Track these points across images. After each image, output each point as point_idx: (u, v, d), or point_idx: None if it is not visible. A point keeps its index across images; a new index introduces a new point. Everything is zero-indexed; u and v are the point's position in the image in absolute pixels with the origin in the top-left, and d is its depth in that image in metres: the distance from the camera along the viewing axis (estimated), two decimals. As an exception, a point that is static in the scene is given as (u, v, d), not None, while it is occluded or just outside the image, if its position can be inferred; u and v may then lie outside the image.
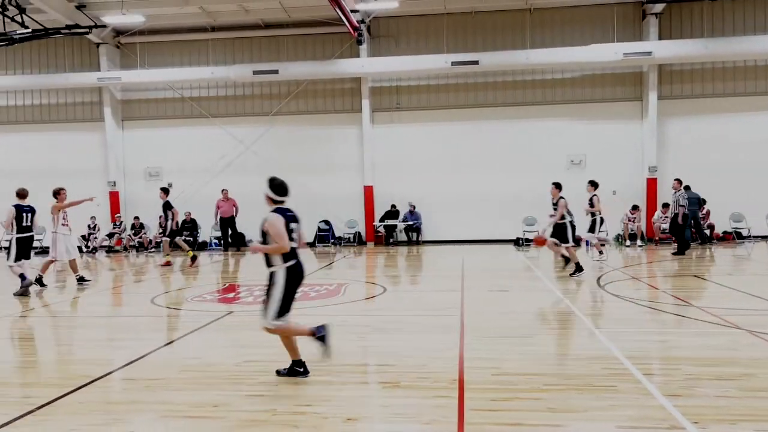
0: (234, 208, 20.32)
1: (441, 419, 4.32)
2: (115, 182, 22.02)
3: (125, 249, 21.08)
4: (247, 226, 21.18)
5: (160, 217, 17.23)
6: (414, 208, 20.90)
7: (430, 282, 11.42)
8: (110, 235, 21.37)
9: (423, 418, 4.35)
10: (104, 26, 19.88)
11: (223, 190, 20.42)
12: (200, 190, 21.56)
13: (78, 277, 12.05)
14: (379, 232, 21.42)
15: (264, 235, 5.31)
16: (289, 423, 4.29)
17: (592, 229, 13.76)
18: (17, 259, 11.08)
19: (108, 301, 11.04)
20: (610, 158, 20.00)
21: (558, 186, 12.06)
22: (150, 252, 20.53)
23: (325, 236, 21.25)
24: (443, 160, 20.77)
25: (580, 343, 6.75)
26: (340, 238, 21.44)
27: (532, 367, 5.53)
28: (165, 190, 15.53)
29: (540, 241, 12.49)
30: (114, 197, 22.02)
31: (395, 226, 21.26)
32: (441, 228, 20.96)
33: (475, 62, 19.52)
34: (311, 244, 21.02)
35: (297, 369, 5.41)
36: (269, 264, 5.37)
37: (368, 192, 21.25)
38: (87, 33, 18.54)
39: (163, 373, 5.64)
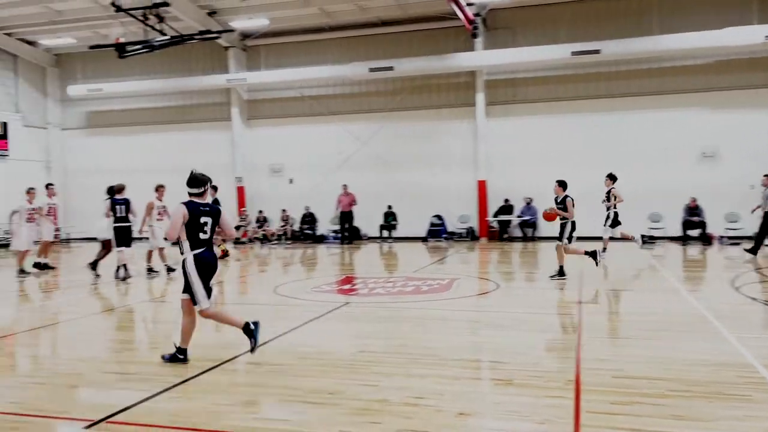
0: (352, 203, 20.87)
1: (555, 419, 4.23)
2: (241, 178, 23.33)
3: (250, 241, 22.28)
4: (363, 220, 21.74)
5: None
6: (531, 201, 20.41)
7: (547, 279, 11.12)
8: (237, 228, 22.69)
9: (536, 418, 4.28)
10: (232, 30, 21.11)
11: (344, 185, 21.00)
12: (319, 185, 22.33)
13: (166, 267, 12.93)
14: (492, 227, 21.14)
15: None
16: (402, 414, 4.38)
17: (606, 223, 14.32)
18: (118, 245, 12.22)
19: (235, 290, 11.75)
20: (746, 150, 18.41)
21: (561, 184, 11.37)
22: (273, 244, 21.56)
23: (438, 231, 21.29)
24: (560, 154, 20.10)
25: (709, 347, 6.32)
26: (452, 233, 21.38)
27: (656, 370, 5.26)
28: (215, 188, 15.79)
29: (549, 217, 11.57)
30: (240, 192, 23.34)
31: (509, 222, 20.89)
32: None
33: (597, 51, 18.71)
34: (424, 239, 21.15)
35: (178, 356, 5.87)
36: (181, 252, 5.84)
37: (482, 186, 21.03)
38: (217, 38, 19.77)
39: (284, 359, 5.94)
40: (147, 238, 13.14)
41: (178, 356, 5.88)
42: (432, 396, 4.75)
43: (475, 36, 19.44)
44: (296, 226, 22.39)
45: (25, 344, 7.39)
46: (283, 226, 22.19)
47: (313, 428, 4.15)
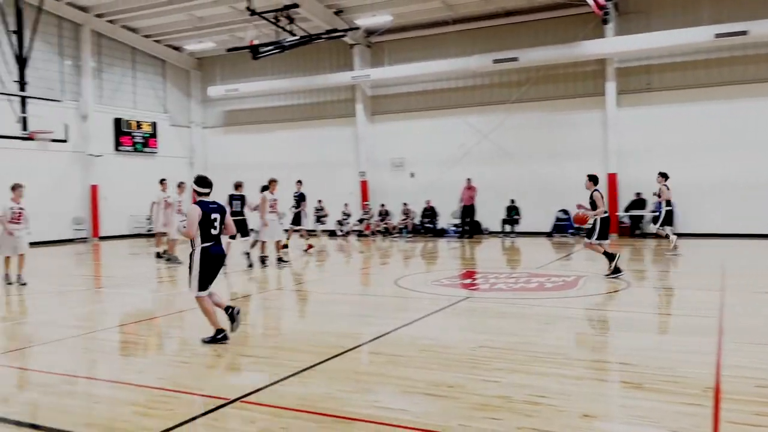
0: (474, 196, 20.69)
1: (690, 428, 3.96)
2: (364, 172, 23.89)
3: (372, 234, 22.78)
4: (484, 214, 21.49)
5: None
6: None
7: (683, 278, 10.41)
8: (360, 221, 23.27)
9: (669, 425, 4.04)
10: (357, 28, 21.65)
11: (467, 179, 20.87)
12: (440, 179, 22.36)
13: (278, 257, 13.53)
14: (623, 222, 20.09)
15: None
16: (523, 412, 4.31)
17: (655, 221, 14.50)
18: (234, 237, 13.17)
19: (358, 281, 12.08)
20: None
21: (592, 178, 11.09)
22: (394, 237, 21.91)
23: (564, 226, 20.56)
24: (700, 144, 18.69)
25: None
26: (579, 228, 20.55)
27: (809, 383, 4.77)
28: (299, 182, 16.62)
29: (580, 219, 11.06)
30: (363, 186, 23.91)
31: (641, 217, 19.74)
32: (697, 219, 18.89)
33: (744, 32, 17.15)
34: (548, 234, 20.54)
35: (216, 336, 6.44)
36: (191, 245, 6.46)
37: (611, 180, 20.04)
38: (343, 36, 20.37)
39: (404, 351, 6.04)
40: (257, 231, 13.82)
41: (217, 337, 6.49)
42: (555, 395, 4.62)
43: (605, 22, 18.54)
44: (417, 220, 22.59)
45: (171, 326, 8.06)
46: (404, 220, 22.47)
47: (432, 420, 4.19)
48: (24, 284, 10.94)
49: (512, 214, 21.14)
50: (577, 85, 20.79)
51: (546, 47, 20.13)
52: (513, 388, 4.79)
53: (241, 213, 13.23)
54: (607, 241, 10.95)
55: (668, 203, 14.31)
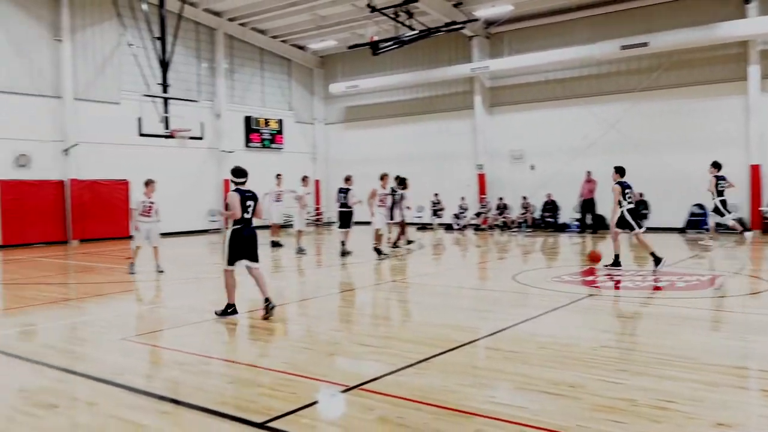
0: (593, 190, 19.82)
1: (844, 446, 3.59)
2: (482, 165, 23.62)
3: (490, 228, 22.49)
4: (608, 208, 20.52)
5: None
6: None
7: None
8: (477, 215, 23.05)
9: (818, 441, 3.68)
10: (476, 20, 21.39)
11: (587, 172, 20.08)
12: (561, 171, 21.62)
13: (376, 248, 13.96)
14: (766, 217, 18.40)
15: (226, 206, 7.61)
16: (650, 417, 4.10)
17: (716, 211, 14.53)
18: (340, 227, 14.49)
19: (475, 275, 12.00)
20: None
21: (617, 170, 11.17)
22: (513, 231, 21.50)
23: (699, 221, 19.15)
24: None
25: None
26: (718, 224, 19.05)
27: None
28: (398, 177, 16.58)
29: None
30: (481, 179, 23.66)
31: (790, 212, 17.97)
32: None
33: None
34: (681, 230, 19.25)
35: (227, 310, 7.57)
36: (225, 226, 7.52)
37: (755, 171, 18.41)
38: (462, 28, 20.22)
39: (522, 347, 5.94)
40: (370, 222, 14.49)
41: (226, 310, 7.59)
42: (685, 401, 4.35)
43: (747, 1, 17.00)
44: (537, 214, 22.01)
45: (295, 313, 8.46)
46: (523, 214, 21.98)
47: (551, 419, 4.10)
48: (161, 272, 11.87)
49: (640, 208, 19.94)
50: (715, 69, 19.25)
51: (680, 30, 18.78)
52: (638, 392, 4.57)
53: (347, 205, 14.16)
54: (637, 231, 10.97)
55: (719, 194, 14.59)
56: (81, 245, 19.18)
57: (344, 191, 14.36)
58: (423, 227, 23.00)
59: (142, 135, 16.79)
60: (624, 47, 19.37)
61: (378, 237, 14.17)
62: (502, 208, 22.56)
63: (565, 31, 21.52)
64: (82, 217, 19.83)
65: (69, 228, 19.75)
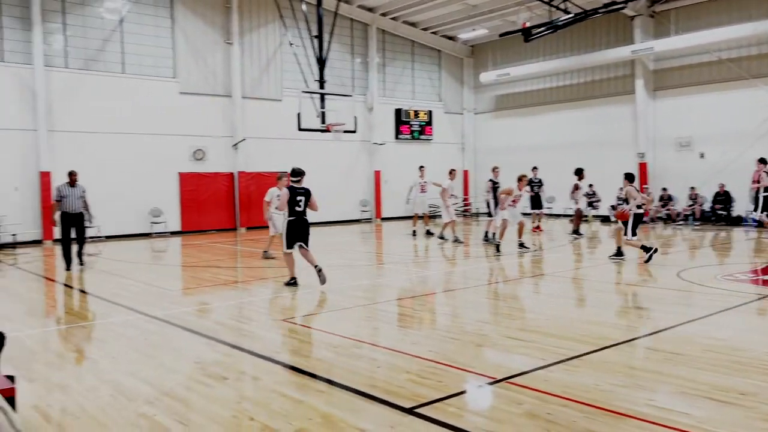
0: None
1: None
2: (644, 153, 22.13)
3: (652, 220, 21.05)
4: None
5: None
6: None
7: None
8: (638, 206, 21.63)
9: None
10: (638, -2, 20.00)
11: (758, 160, 18.03)
12: (736, 160, 19.65)
13: (519, 242, 13.59)
14: None
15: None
16: (838, 435, 3.64)
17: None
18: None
19: (634, 270, 11.32)
20: None
21: (627, 177, 12.42)
22: (678, 224, 19.96)
23: None
24: None
25: None
26: None
27: None
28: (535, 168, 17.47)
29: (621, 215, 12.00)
30: (642, 168, 22.19)
31: None
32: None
33: None
34: None
35: (290, 281, 9.39)
36: (284, 216, 9.31)
37: None
38: (622, 8, 19.02)
39: (685, 349, 5.53)
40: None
41: (291, 282, 9.33)
42: None
43: None
44: (707, 206, 20.20)
45: (443, 303, 8.55)
46: (690, 206, 20.29)
47: (718, 428, 3.79)
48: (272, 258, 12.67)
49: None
50: None
51: None
52: (825, 406, 4.08)
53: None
54: (635, 237, 11.57)
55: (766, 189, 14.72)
56: (247, 232, 20.82)
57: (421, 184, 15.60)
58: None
59: (301, 129, 17.79)
60: (815, 18, 17.11)
61: (499, 228, 13.86)
62: (666, 200, 21.00)
63: (741, 4, 19.45)
64: (249, 207, 21.51)
65: (237, 216, 21.52)
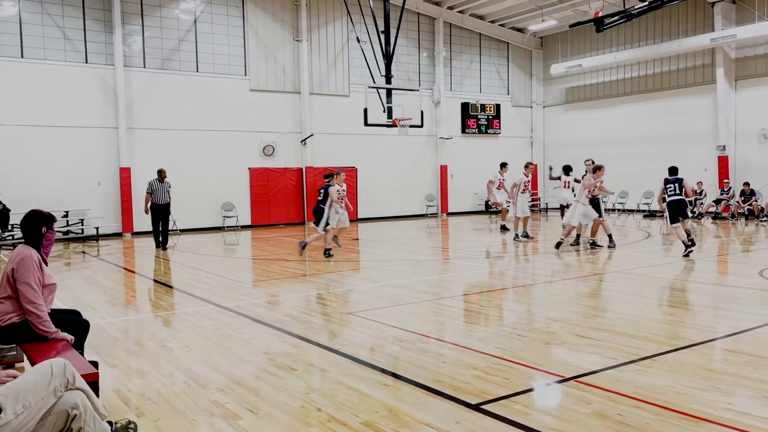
0: None
1: None
2: (724, 146, 21.08)
3: (733, 217, 20.05)
4: None
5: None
6: None
7: None
8: (717, 201, 20.69)
9: None
10: (721, -18, 19.02)
11: None
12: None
13: (591, 241, 13.11)
14: None
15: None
16: None
17: None
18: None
19: (713, 269, 10.84)
20: None
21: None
22: (762, 221, 18.93)
23: None
24: None
25: None
26: None
27: None
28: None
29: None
30: (722, 162, 21.15)
31: None
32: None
33: None
34: None
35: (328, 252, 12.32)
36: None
37: None
38: (702, -6, 18.14)
39: (767, 352, 5.25)
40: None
41: (330, 253, 12.19)
42: None
43: None
44: (794, 202, 19.05)
45: (511, 299, 8.43)
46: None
47: (804, 437, 3.58)
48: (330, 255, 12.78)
49: None
50: None
51: None
52: None
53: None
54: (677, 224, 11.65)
55: None
56: (315, 227, 21.16)
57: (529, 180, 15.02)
58: (651, 214, 21.31)
59: (367, 125, 17.91)
60: None
61: (569, 230, 13.41)
62: (748, 195, 19.95)
63: (837, -15, 18.18)
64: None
65: (305, 211, 21.92)
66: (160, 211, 14.83)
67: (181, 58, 19.77)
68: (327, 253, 12.62)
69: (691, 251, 11.50)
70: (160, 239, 14.92)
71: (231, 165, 20.51)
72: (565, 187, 16.57)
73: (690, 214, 13.71)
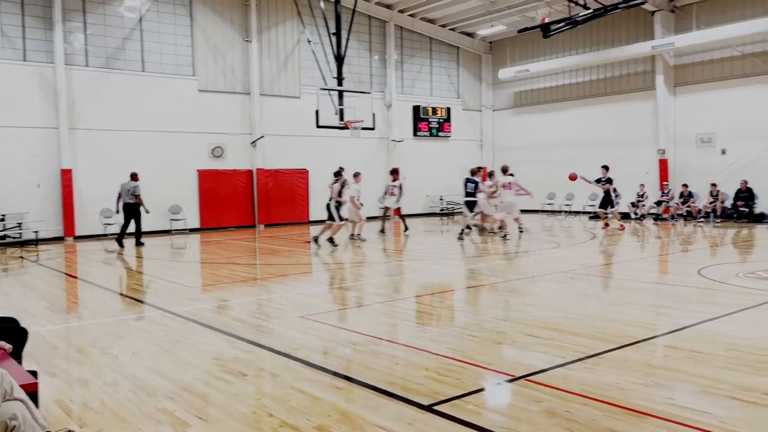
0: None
1: None
2: (664, 150, 21.88)
3: (672, 217, 20.81)
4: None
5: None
6: None
7: None
8: (658, 203, 21.43)
9: None
10: (660, -8, 19.73)
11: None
12: (759, 156, 19.36)
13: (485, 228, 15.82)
14: None
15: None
16: None
17: None
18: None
19: (654, 268, 11.21)
20: None
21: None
22: (699, 221, 19.71)
23: None
24: None
25: None
26: None
27: None
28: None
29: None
30: (663, 165, 21.93)
31: None
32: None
33: None
34: None
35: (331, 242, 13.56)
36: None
37: None
38: (643, 3, 18.78)
39: (706, 348, 5.46)
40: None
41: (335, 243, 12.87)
42: None
43: None
44: (728, 203, 19.92)
45: (461, 300, 8.52)
46: (711, 203, 20.01)
47: (740, 428, 3.73)
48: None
49: None
50: None
51: None
52: None
53: (473, 194, 15.53)
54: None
55: None
56: (266, 229, 20.92)
57: (473, 182, 15.60)
58: (594, 216, 21.92)
59: (319, 127, 17.81)
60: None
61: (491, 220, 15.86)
62: (686, 197, 20.74)
63: (767, -3, 19.12)
64: (267, 204, 21.64)
65: (256, 213, 21.64)
66: (124, 211, 15.88)
67: (127, 57, 19.24)
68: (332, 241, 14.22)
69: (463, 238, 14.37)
70: (124, 238, 15.85)
71: (179, 167, 20.08)
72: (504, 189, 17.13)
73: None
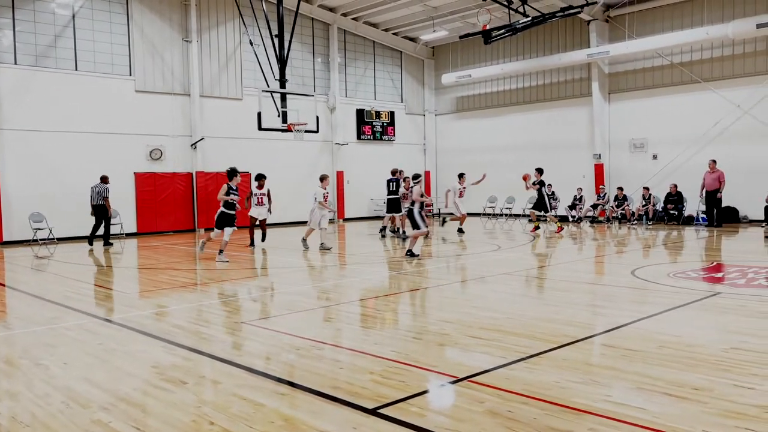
0: (719, 182, 18.32)
1: None
2: (600, 155, 22.63)
3: (608, 220, 21.54)
4: (741, 200, 19.05)
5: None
6: None
7: None
8: (594, 206, 22.14)
9: None
10: (595, 2, 20.43)
11: (710, 161, 18.67)
12: (688, 161, 20.30)
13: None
14: None
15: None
16: (785, 426, 3.77)
17: None
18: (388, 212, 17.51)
19: (590, 269, 11.55)
20: None
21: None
22: (632, 224, 20.46)
23: None
24: None
25: None
26: None
27: None
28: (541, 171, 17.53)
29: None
30: (599, 169, 22.68)
31: None
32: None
33: None
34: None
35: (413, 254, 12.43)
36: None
37: None
38: (579, 12, 19.40)
39: (640, 346, 5.65)
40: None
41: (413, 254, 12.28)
42: (828, 412, 3.96)
43: None
44: (659, 206, 20.78)
45: (405, 302, 8.55)
46: (644, 206, 20.84)
47: (673, 422, 3.88)
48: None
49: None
50: None
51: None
52: (773, 399, 4.22)
53: (395, 193, 16.72)
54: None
55: None
56: (206, 233, 20.45)
57: (395, 180, 16.88)
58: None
59: (261, 129, 17.58)
60: (760, 25, 17.81)
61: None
62: (621, 200, 21.52)
63: (696, 10, 20.10)
64: (207, 208, 21.17)
65: (195, 217, 21.16)
66: (94, 212, 16.16)
67: (58, 55, 18.50)
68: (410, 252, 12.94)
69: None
70: (94, 238, 16.28)
71: (114, 169, 19.34)
72: (460, 196, 17.89)
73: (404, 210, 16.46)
